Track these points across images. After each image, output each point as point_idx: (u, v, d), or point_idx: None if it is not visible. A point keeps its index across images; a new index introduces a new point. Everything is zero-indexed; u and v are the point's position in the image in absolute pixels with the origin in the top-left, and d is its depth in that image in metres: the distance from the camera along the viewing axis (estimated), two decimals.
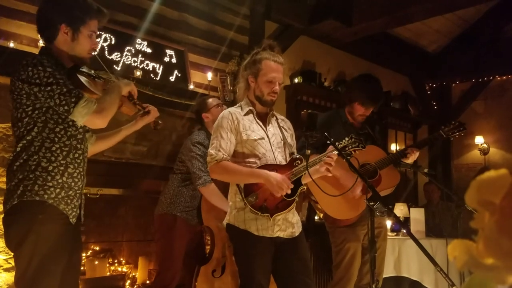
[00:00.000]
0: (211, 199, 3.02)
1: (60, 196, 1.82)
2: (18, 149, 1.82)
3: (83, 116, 1.81)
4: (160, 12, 4.18)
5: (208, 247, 3.48)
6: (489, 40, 6.59)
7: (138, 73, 3.79)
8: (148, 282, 4.12)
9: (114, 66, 3.74)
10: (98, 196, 3.72)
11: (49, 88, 1.76)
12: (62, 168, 1.84)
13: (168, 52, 4.17)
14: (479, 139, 7.22)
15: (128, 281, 4.08)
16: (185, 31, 4.41)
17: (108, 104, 1.90)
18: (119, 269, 4.20)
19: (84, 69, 2.01)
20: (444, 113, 7.44)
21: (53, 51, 1.92)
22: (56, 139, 1.83)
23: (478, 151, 7.27)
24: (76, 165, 1.90)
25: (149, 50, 4.03)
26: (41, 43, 3.34)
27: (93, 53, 2.03)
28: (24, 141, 1.81)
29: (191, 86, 4.20)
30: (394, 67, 6.79)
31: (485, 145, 7.22)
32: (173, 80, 4.14)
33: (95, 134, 2.17)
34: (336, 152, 2.28)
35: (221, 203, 2.93)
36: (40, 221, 1.77)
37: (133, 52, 3.91)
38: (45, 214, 1.78)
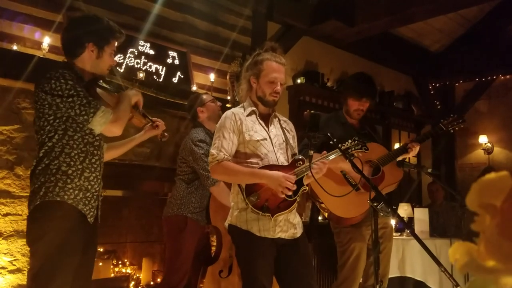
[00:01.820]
0: (221, 197, 2.99)
1: (78, 197, 1.99)
2: (41, 154, 1.99)
3: (101, 125, 2.00)
4: (163, 13, 4.18)
5: (213, 247, 3.47)
6: (492, 39, 6.57)
7: (141, 75, 3.79)
8: (152, 283, 4.13)
9: (117, 68, 3.75)
10: (102, 197, 3.72)
11: (70, 99, 1.95)
12: (79, 172, 2.01)
13: (171, 53, 4.18)
14: (483, 139, 7.19)
15: (132, 282, 4.08)
16: (188, 33, 4.42)
17: (122, 113, 2.10)
18: (123, 270, 4.21)
19: (101, 83, 2.22)
20: (448, 113, 7.39)
21: (75, 65, 2.11)
22: (75, 145, 2.01)
23: (482, 151, 7.24)
24: (92, 169, 2.07)
25: (152, 52, 4.03)
26: (45, 46, 3.37)
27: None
28: (46, 147, 1.98)
29: (194, 88, 4.21)
30: (397, 67, 6.78)
31: (489, 144, 7.19)
32: (176, 81, 4.14)
33: (106, 143, 2.30)
34: (336, 155, 2.29)
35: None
36: (60, 218, 1.95)
37: (136, 54, 3.91)
38: (64, 213, 1.96)
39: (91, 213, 2.06)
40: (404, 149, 3.09)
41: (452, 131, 3.26)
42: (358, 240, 2.97)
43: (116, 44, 2.20)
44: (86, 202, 2.02)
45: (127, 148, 2.46)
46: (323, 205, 3.01)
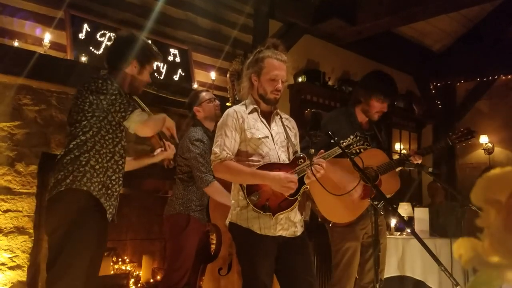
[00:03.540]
0: (216, 197, 3.01)
1: (101, 192, 2.14)
2: (71, 146, 2.13)
3: (136, 122, 2.18)
4: (164, 11, 4.18)
5: (213, 245, 3.47)
6: (494, 39, 6.56)
7: None
8: (151, 280, 4.13)
9: None
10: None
11: (113, 97, 2.15)
12: (104, 169, 2.17)
13: (172, 51, 4.18)
14: (483, 139, 7.18)
15: (132, 280, 4.08)
16: (189, 30, 4.41)
17: (155, 120, 2.30)
18: (123, 267, 4.21)
19: (137, 99, 2.44)
20: (449, 113, 7.42)
21: (117, 77, 2.31)
22: (105, 145, 2.19)
23: (483, 151, 7.23)
24: (117, 170, 2.25)
25: None
26: (46, 42, 3.36)
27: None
28: (78, 140, 2.14)
29: (195, 85, 4.21)
30: (398, 66, 6.77)
31: (489, 144, 7.19)
32: (177, 79, 4.14)
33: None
34: (337, 152, 2.28)
35: (227, 199, 2.92)
36: (85, 208, 2.07)
37: None
38: (89, 202, 2.09)
39: (111, 210, 2.21)
40: (406, 160, 3.04)
41: (458, 147, 3.17)
42: (351, 240, 2.95)
43: (154, 64, 2.46)
44: (108, 198, 2.17)
45: (136, 165, 2.60)
46: (315, 207, 2.99)
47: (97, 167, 2.13)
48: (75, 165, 2.08)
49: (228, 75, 4.37)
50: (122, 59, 2.32)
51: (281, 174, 2.19)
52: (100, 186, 2.13)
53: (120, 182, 2.28)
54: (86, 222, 2.06)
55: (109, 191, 2.18)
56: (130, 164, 2.54)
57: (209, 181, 2.97)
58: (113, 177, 2.22)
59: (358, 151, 2.92)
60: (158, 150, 2.55)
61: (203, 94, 3.34)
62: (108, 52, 2.45)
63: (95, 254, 2.14)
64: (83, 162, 2.10)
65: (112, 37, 3.77)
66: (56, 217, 2.08)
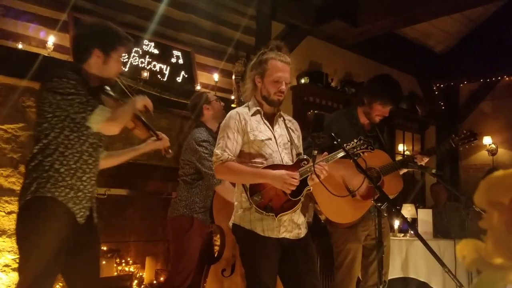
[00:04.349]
0: (227, 196, 2.97)
1: (69, 196, 2.01)
2: (35, 151, 2.02)
3: (98, 122, 2.01)
4: (167, 13, 4.19)
5: (217, 247, 3.48)
6: (497, 40, 6.54)
7: (145, 74, 3.80)
8: (155, 282, 4.14)
9: (122, 67, 3.76)
10: (105, 196, 3.74)
11: (70, 97, 1.97)
12: (72, 171, 2.03)
13: (175, 53, 4.19)
14: (487, 140, 7.16)
15: (135, 281, 4.09)
16: (192, 32, 4.42)
17: (121, 113, 2.11)
18: (126, 269, 4.22)
19: (109, 91, 2.24)
20: (452, 114, 7.40)
21: (82, 69, 2.14)
22: (69, 145, 2.03)
23: (486, 152, 7.21)
24: (87, 170, 2.10)
25: (156, 51, 4.04)
26: (50, 45, 3.38)
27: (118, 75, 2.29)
28: (41, 144, 2.01)
29: (198, 87, 4.21)
30: (401, 67, 6.76)
31: (493, 145, 7.17)
32: (180, 81, 4.15)
33: (105, 150, 2.33)
34: (341, 154, 2.28)
35: None
36: (48, 214, 1.96)
37: (140, 53, 3.92)
38: (53, 209, 1.97)
39: (82, 213, 2.06)
40: (410, 161, 3.03)
41: (461, 149, 3.20)
42: (353, 241, 2.95)
43: (123, 50, 2.23)
44: (77, 201, 2.04)
45: (126, 157, 2.46)
46: (318, 208, 3.00)
47: (62, 170, 2.00)
48: (39, 171, 1.98)
49: (233, 77, 4.37)
50: (83, 51, 2.14)
51: (282, 171, 2.18)
52: (67, 190, 2.00)
53: (93, 182, 2.14)
54: (51, 230, 1.96)
55: (79, 194, 2.05)
56: (118, 158, 2.43)
57: (221, 179, 2.96)
58: (84, 178, 2.08)
59: (361, 154, 2.92)
60: (149, 141, 2.40)
61: (210, 94, 3.36)
62: (70, 44, 2.28)
63: (85, 257, 2.08)
64: (46, 167, 1.98)
65: None
66: (22, 227, 1.99)
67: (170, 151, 2.45)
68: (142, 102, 2.21)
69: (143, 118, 2.30)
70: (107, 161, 2.36)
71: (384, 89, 3.03)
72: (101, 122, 2.01)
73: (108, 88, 2.23)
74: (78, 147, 2.05)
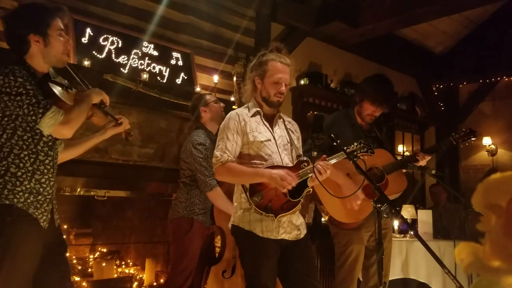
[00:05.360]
0: (217, 202, 3.03)
1: (29, 201, 1.87)
2: None
3: (50, 126, 1.86)
4: (167, 15, 4.19)
5: (218, 248, 3.48)
6: (497, 40, 6.55)
7: (145, 76, 3.80)
8: (155, 283, 4.13)
9: (121, 69, 3.76)
10: (105, 198, 3.74)
11: (18, 98, 1.82)
12: (29, 174, 1.89)
13: (175, 54, 4.19)
14: (487, 140, 7.16)
15: (136, 283, 4.09)
16: (192, 34, 4.42)
17: (76, 115, 1.94)
18: (126, 271, 4.22)
19: (57, 79, 2.05)
20: (452, 114, 7.40)
21: (27, 61, 1.96)
22: (24, 146, 1.89)
23: (486, 153, 7.21)
24: (45, 171, 1.95)
25: (155, 53, 4.04)
26: None
27: (67, 53, 2.07)
28: None
29: (198, 89, 4.21)
30: (401, 68, 6.77)
31: (493, 146, 7.16)
32: (179, 82, 4.15)
33: (64, 142, 2.18)
34: (341, 158, 2.28)
35: (227, 206, 2.93)
36: (10, 223, 1.82)
37: (140, 55, 3.92)
38: (14, 217, 1.83)
39: (44, 217, 1.92)
40: (413, 159, 3.03)
41: (462, 146, 3.22)
42: (356, 243, 2.96)
43: (60, 22, 2.01)
44: (38, 205, 1.90)
45: (86, 147, 2.29)
46: (323, 208, 3.00)
47: (19, 173, 1.85)
48: None
49: (234, 78, 4.38)
50: (20, 42, 1.94)
51: (280, 170, 2.19)
52: (26, 195, 1.86)
53: (52, 183, 1.99)
54: (16, 238, 1.81)
55: (39, 197, 1.90)
56: (78, 149, 2.26)
57: (212, 185, 2.98)
58: (43, 180, 1.93)
59: (362, 157, 2.93)
60: (108, 126, 2.22)
61: (208, 96, 3.37)
62: (6, 42, 2.01)
63: (52, 263, 1.94)
64: (2, 172, 1.83)
65: (115, 41, 3.79)
66: None
67: (131, 133, 2.27)
68: (98, 97, 2.07)
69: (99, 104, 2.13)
70: (66, 154, 2.21)
71: (373, 87, 3.04)
72: (53, 126, 1.86)
73: (54, 74, 2.06)
74: (33, 147, 1.91)
